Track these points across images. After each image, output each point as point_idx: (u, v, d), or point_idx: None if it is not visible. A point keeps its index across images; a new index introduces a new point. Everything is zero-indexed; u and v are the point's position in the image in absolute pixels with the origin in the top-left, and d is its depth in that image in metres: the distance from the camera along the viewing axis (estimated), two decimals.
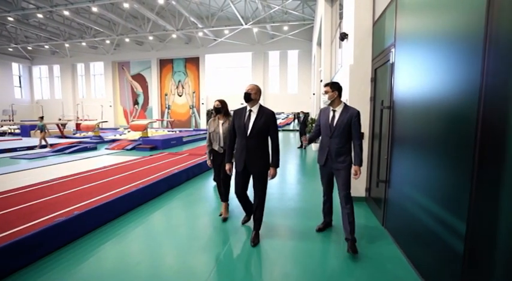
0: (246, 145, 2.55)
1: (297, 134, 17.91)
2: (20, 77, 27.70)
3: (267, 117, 2.55)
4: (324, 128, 2.65)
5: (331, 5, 8.61)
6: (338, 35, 7.02)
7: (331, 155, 2.57)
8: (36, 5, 15.16)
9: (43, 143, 10.33)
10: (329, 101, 2.57)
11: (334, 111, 2.58)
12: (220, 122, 3.25)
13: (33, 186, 3.98)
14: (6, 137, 13.62)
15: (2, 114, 19.45)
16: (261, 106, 2.62)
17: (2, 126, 16.68)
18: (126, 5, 15.14)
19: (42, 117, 11.10)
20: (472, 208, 1.46)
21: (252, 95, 2.55)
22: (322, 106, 4.69)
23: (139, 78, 26.33)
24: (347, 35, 4.03)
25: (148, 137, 11.14)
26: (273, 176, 2.61)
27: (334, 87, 2.56)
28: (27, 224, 2.53)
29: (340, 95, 2.58)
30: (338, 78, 6.50)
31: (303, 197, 4.25)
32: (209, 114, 23.68)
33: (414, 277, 2.09)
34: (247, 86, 2.63)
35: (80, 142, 10.83)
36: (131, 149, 9.61)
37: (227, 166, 2.80)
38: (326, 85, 2.61)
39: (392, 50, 2.79)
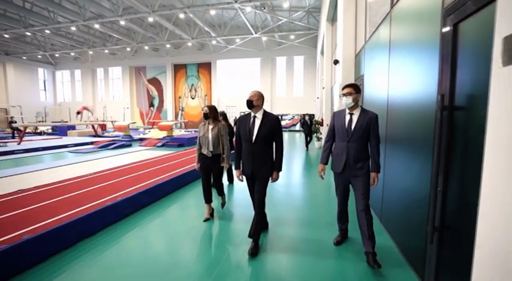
0: (251, 151, 2.60)
1: (303, 134, 19.43)
2: (44, 81, 29.90)
3: (272, 123, 2.59)
4: (339, 133, 2.50)
5: (331, 24, 10.17)
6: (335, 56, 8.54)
7: (349, 161, 2.42)
8: (70, 19, 17.10)
9: None
10: (352, 104, 2.41)
11: (351, 114, 2.45)
12: (210, 127, 3.32)
13: (118, 168, 5.67)
14: (46, 136, 15.51)
15: (36, 116, 21.56)
16: (265, 112, 2.66)
17: (37, 127, 18.61)
18: (150, 19, 16.91)
19: None
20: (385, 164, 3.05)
21: (254, 102, 2.60)
22: (336, 109, 6.08)
23: (155, 82, 28.24)
24: (338, 61, 5.62)
25: (173, 136, 12.87)
26: (275, 180, 2.65)
27: (357, 89, 2.44)
28: (120, 192, 4.18)
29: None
30: (335, 89, 8.06)
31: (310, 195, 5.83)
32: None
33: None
34: (249, 93, 2.67)
35: (114, 140, 12.58)
36: (161, 146, 11.32)
37: (237, 173, 2.79)
38: (348, 86, 2.46)
39: (363, 78, 4.38)
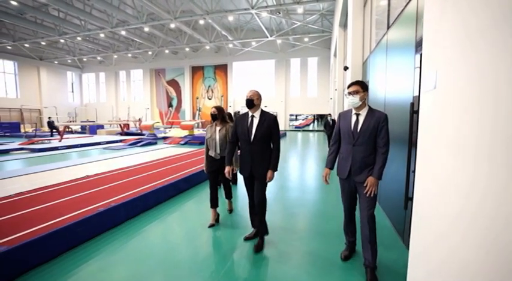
0: (250, 151, 2.60)
1: (316, 134, 20.05)
2: (72, 84, 32.01)
3: (270, 122, 2.60)
4: (345, 135, 2.33)
5: (344, 30, 10.77)
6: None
7: (355, 166, 2.24)
8: (99, 27, 18.53)
9: None
10: (359, 104, 2.22)
11: (357, 115, 2.27)
12: (217, 128, 3.27)
13: (152, 161, 6.60)
14: (78, 135, 16.96)
15: (68, 116, 23.45)
16: (262, 111, 2.68)
17: (69, 126, 20.19)
18: (172, 25, 18.05)
19: None
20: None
21: (254, 101, 2.62)
22: (338, 109, 6.70)
23: (174, 83, 29.60)
24: (348, 67, 6.28)
25: (194, 134, 13.85)
26: (270, 179, 2.61)
27: (365, 87, 2.25)
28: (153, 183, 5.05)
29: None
30: (345, 92, 8.70)
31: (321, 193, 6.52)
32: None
33: None
34: (248, 92, 2.65)
35: (141, 138, 13.70)
36: (184, 144, 12.29)
37: (226, 169, 2.78)
38: (354, 84, 2.27)
39: (368, 83, 5.04)
